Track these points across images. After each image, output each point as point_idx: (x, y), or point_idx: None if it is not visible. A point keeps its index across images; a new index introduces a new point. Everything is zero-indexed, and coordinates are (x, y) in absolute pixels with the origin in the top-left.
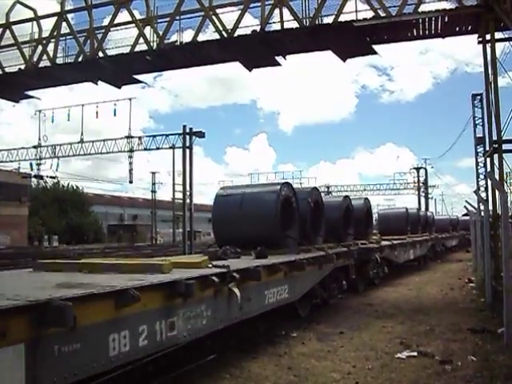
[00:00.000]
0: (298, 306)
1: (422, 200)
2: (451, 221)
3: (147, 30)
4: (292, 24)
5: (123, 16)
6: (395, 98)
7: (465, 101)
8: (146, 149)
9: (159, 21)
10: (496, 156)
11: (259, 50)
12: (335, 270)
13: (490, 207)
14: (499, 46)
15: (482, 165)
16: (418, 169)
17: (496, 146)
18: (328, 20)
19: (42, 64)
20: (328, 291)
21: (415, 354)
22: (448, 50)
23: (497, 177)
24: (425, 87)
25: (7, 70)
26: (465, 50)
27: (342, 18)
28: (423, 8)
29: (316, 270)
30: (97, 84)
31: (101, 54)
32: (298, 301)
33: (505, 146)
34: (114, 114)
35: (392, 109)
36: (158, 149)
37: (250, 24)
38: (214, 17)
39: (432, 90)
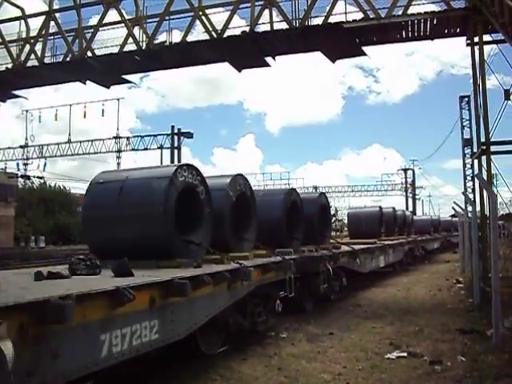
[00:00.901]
0: (200, 341)
1: (410, 201)
2: (433, 221)
3: (136, 30)
4: (281, 25)
5: (112, 16)
6: (381, 99)
7: (450, 102)
8: (133, 149)
9: (148, 21)
10: (484, 158)
11: (249, 51)
12: (263, 287)
13: (478, 208)
14: (486, 48)
15: (470, 166)
16: (405, 170)
17: (484, 147)
18: (318, 21)
19: (29, 63)
20: (251, 317)
21: (405, 354)
22: (434, 51)
23: (484, 178)
24: (411, 89)
25: None
26: (450, 51)
27: (332, 20)
28: (412, 10)
29: (223, 290)
30: (85, 84)
31: (89, 54)
32: (200, 334)
33: (493, 148)
34: (102, 114)
35: (378, 110)
36: (146, 149)
37: (239, 25)
38: (203, 17)
39: (418, 92)
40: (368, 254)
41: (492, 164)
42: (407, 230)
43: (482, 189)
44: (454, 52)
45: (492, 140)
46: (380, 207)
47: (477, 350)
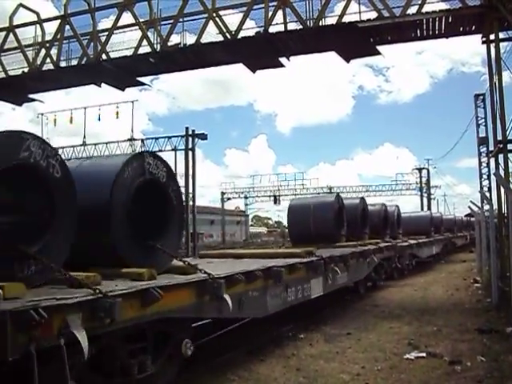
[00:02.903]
0: None
1: (425, 201)
2: (433, 220)
3: (150, 33)
4: (295, 26)
5: (126, 18)
6: (392, 98)
7: (462, 100)
8: (148, 151)
9: (162, 23)
10: (501, 156)
11: (263, 52)
12: None
13: (494, 207)
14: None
15: (486, 165)
16: (420, 169)
17: (501, 145)
18: (332, 21)
19: (45, 67)
20: None
21: (424, 354)
22: (444, 49)
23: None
24: (422, 87)
25: (11, 73)
26: (461, 49)
27: (346, 19)
28: (427, 8)
29: None
30: (100, 86)
31: (104, 57)
32: None
33: (510, 146)
34: (117, 117)
35: (389, 109)
36: (160, 151)
37: (252, 26)
38: (217, 19)
39: (429, 90)
40: (270, 282)
41: (509, 162)
42: (391, 231)
43: (499, 187)
44: (464, 50)
45: (509, 138)
46: (337, 196)
47: (497, 349)
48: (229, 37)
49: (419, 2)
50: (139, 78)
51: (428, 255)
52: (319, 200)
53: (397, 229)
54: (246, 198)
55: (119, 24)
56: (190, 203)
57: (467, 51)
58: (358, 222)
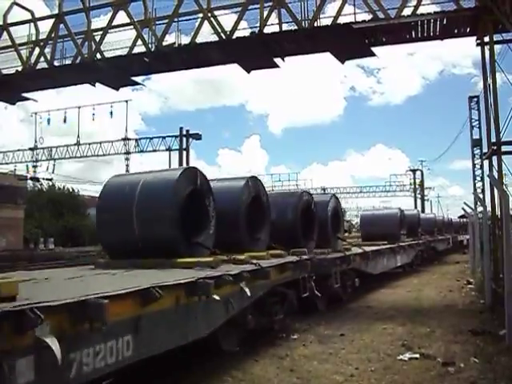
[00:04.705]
0: None
1: (419, 202)
2: (404, 219)
3: (145, 32)
4: (290, 26)
5: (121, 17)
6: (384, 99)
7: (454, 102)
8: (142, 151)
9: (157, 22)
10: (495, 158)
11: (258, 52)
12: None
13: (488, 209)
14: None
15: (479, 167)
16: (414, 171)
17: (495, 147)
18: (327, 22)
19: (39, 66)
20: None
21: (417, 355)
22: (435, 51)
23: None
24: (414, 89)
25: (4, 71)
26: (452, 51)
27: (341, 20)
28: (422, 10)
29: None
30: (94, 86)
31: (99, 56)
32: None
33: (504, 148)
34: (111, 116)
35: (381, 110)
36: (154, 151)
37: (247, 26)
38: (212, 19)
39: (421, 92)
40: None
41: (503, 164)
42: (318, 237)
43: (493, 189)
44: (455, 51)
45: (503, 140)
46: (191, 169)
47: (490, 351)
48: (223, 37)
49: (414, 4)
50: (133, 78)
51: (387, 269)
52: (154, 180)
53: (332, 232)
54: None
55: (114, 23)
56: None
57: (458, 53)
58: (241, 222)
